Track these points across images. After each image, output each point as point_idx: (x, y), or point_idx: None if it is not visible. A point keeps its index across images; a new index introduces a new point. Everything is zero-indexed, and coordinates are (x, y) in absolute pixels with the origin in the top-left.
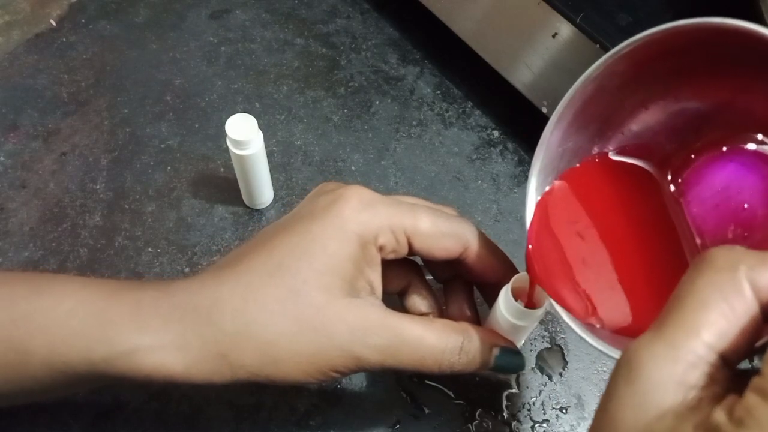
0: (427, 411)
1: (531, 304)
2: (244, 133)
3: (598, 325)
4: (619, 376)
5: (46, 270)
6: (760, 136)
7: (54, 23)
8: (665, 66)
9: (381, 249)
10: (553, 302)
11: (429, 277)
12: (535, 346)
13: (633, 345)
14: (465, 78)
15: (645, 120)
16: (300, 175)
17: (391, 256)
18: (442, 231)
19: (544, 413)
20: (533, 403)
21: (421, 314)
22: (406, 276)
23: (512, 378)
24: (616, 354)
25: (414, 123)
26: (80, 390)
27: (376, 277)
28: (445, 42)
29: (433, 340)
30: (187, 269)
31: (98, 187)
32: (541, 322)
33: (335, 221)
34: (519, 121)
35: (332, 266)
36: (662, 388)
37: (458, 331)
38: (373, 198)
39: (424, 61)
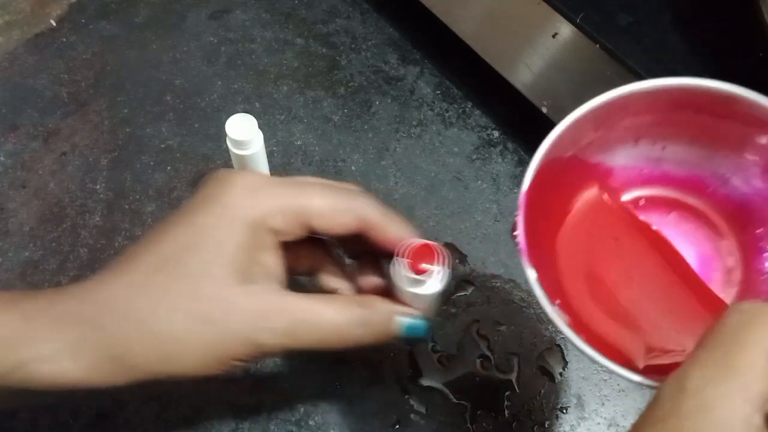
0: (427, 411)
1: (420, 270)
2: (244, 133)
3: (570, 319)
4: (692, 405)
5: (46, 270)
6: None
7: (54, 23)
8: (681, 118)
9: (276, 232)
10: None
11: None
12: (535, 346)
13: (698, 375)
14: (465, 78)
15: (631, 151)
16: (300, 175)
17: (289, 238)
18: (336, 208)
19: (544, 413)
20: (533, 404)
21: (332, 292)
22: (314, 255)
23: (512, 378)
24: (611, 365)
25: (414, 123)
26: None
27: (272, 260)
28: (445, 42)
29: (333, 316)
30: None
31: (98, 187)
32: (541, 322)
33: (220, 210)
34: (519, 121)
35: (221, 255)
36: (739, 426)
37: (359, 304)
38: (259, 182)
39: (424, 61)
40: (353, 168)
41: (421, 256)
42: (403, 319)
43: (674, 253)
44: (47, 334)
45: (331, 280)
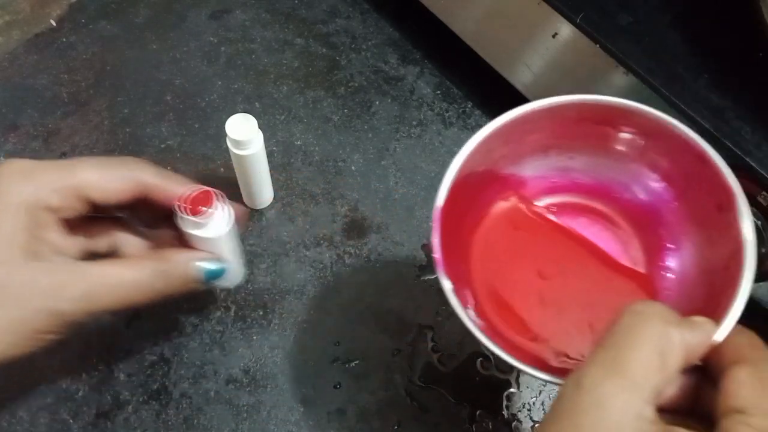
0: (427, 412)
1: (198, 211)
2: (244, 133)
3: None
4: (587, 401)
5: None
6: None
7: (54, 23)
8: (594, 131)
9: (55, 210)
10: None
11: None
12: None
13: (595, 373)
14: (465, 78)
15: (544, 162)
16: (300, 175)
17: (70, 214)
18: (109, 177)
19: (544, 412)
20: (533, 403)
21: None
22: (111, 233)
23: (512, 378)
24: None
25: (414, 123)
26: None
27: (57, 237)
28: (445, 42)
29: (131, 274)
30: None
31: None
32: None
33: None
34: None
35: (5, 240)
36: (630, 419)
37: (154, 258)
38: (30, 166)
39: (424, 61)
40: (353, 168)
41: (198, 201)
42: (199, 263)
43: (591, 244)
44: None
45: (131, 251)
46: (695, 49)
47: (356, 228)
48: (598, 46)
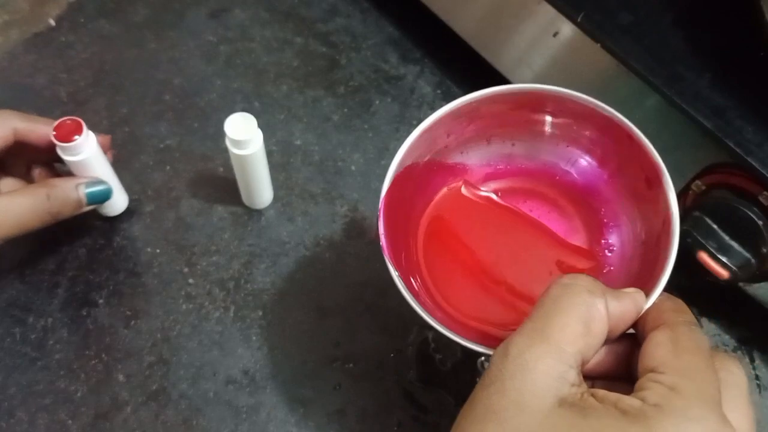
0: (427, 412)
1: (66, 138)
2: (243, 132)
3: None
4: (514, 366)
5: (45, 270)
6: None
7: (53, 22)
8: (530, 118)
9: None
10: (395, 275)
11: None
12: None
13: (520, 342)
14: (465, 77)
15: (487, 150)
16: (299, 175)
17: None
18: None
19: None
20: None
21: None
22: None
23: None
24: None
25: (414, 122)
26: None
27: None
28: (445, 41)
29: (21, 201)
30: (186, 269)
31: None
32: None
33: None
34: None
35: None
36: (554, 382)
37: (41, 185)
38: None
39: (425, 60)
40: (353, 167)
41: (71, 130)
42: (82, 185)
43: (538, 224)
44: None
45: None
46: (696, 49)
47: (356, 228)
48: (599, 45)
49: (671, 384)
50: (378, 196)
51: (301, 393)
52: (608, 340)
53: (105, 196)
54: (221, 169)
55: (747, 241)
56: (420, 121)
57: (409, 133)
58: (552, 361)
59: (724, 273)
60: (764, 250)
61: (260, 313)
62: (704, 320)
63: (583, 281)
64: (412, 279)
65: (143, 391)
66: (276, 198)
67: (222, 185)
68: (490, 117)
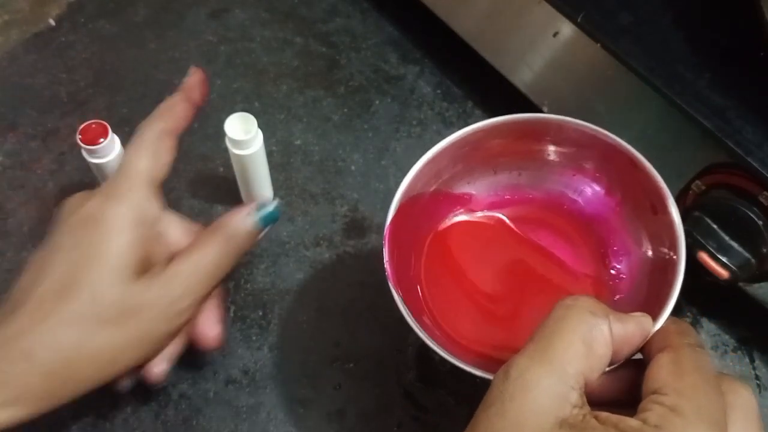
0: (427, 412)
1: (97, 141)
2: (243, 132)
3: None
4: (515, 386)
5: None
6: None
7: (53, 22)
8: (534, 147)
9: (154, 220)
10: (402, 309)
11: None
12: None
13: (522, 362)
14: (465, 77)
15: (494, 181)
16: (300, 175)
17: (162, 219)
18: (151, 151)
19: None
20: None
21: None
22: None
23: None
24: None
25: (414, 122)
26: None
27: (159, 248)
28: (445, 41)
29: (206, 258)
30: None
31: (97, 187)
32: None
33: (103, 225)
34: None
35: (117, 262)
36: (555, 402)
37: (215, 231)
38: (118, 187)
39: (425, 61)
40: (353, 168)
41: (92, 133)
42: (251, 213)
43: (546, 252)
44: None
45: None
46: (696, 49)
47: (356, 228)
48: (599, 45)
49: (672, 405)
50: (378, 196)
51: (301, 393)
52: (614, 364)
53: (276, 214)
54: (221, 169)
55: (747, 241)
56: (420, 121)
57: (409, 133)
58: (553, 381)
59: (724, 273)
60: (764, 250)
61: (260, 313)
62: (704, 320)
63: (586, 302)
64: (418, 304)
65: (143, 391)
66: (276, 198)
67: (222, 185)
68: (494, 147)
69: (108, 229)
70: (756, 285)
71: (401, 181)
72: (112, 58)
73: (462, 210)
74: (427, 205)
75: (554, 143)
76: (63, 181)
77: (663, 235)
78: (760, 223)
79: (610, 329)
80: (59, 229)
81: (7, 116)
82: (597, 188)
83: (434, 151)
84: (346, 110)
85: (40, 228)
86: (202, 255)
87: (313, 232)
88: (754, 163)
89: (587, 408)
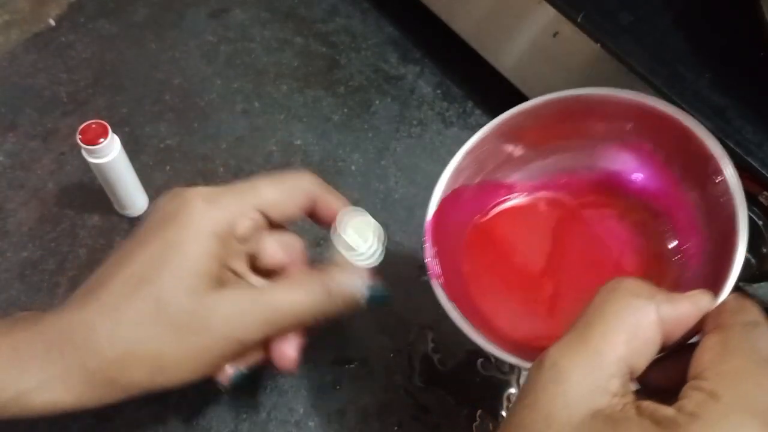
0: (427, 412)
1: (89, 140)
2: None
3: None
4: (548, 377)
5: (45, 270)
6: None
7: (53, 22)
8: (582, 125)
9: (243, 238)
10: (446, 304)
11: None
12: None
13: (557, 350)
14: (465, 77)
15: (544, 165)
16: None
17: (255, 236)
18: (286, 191)
19: None
20: None
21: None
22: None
23: (513, 378)
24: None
25: (414, 122)
26: None
27: (240, 265)
28: (445, 41)
29: (301, 297)
30: None
31: (97, 186)
32: None
33: (188, 224)
34: None
35: (193, 268)
36: (591, 392)
37: (320, 278)
38: (216, 192)
39: (425, 61)
40: (353, 168)
41: (92, 132)
42: (366, 287)
43: (598, 236)
44: (38, 366)
45: (275, 259)
46: (697, 49)
47: None
48: (599, 45)
49: (711, 390)
50: (378, 196)
51: (302, 393)
52: (668, 347)
53: (384, 302)
54: (221, 169)
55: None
56: (420, 121)
57: (409, 133)
58: (589, 370)
59: None
60: (764, 250)
61: None
62: None
63: (630, 284)
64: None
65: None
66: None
67: (222, 185)
68: (538, 130)
69: (194, 231)
70: (756, 285)
71: (401, 181)
72: (112, 58)
73: (510, 198)
74: (472, 196)
75: (599, 119)
76: (63, 181)
77: (721, 206)
78: (761, 223)
79: (658, 311)
80: (149, 219)
81: (7, 116)
82: (651, 162)
83: (472, 142)
84: (346, 110)
85: (40, 228)
86: (295, 294)
87: (313, 233)
88: (754, 163)
89: (630, 397)
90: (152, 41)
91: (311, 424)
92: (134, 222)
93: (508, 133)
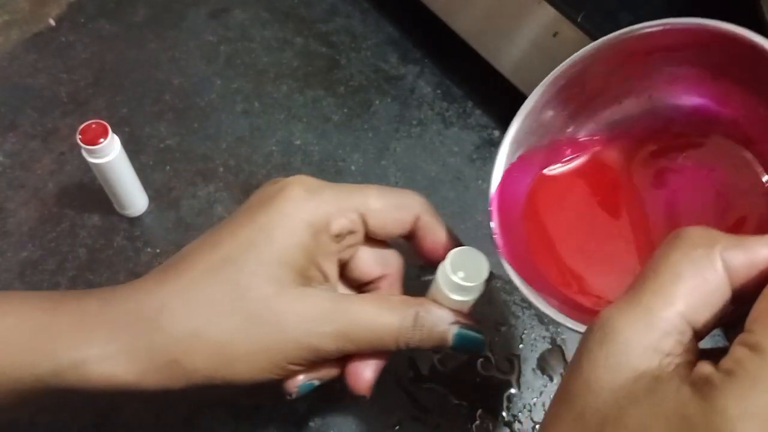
0: (427, 412)
1: (90, 140)
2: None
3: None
4: (593, 339)
5: (45, 270)
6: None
7: (53, 22)
8: (649, 62)
9: (337, 235)
10: (515, 278)
11: None
12: (536, 347)
13: (608, 311)
14: (465, 77)
15: (618, 112)
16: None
17: (351, 240)
18: (393, 204)
19: (545, 413)
20: (534, 404)
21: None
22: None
23: (513, 378)
24: (575, 326)
25: (414, 122)
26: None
27: (330, 267)
28: (445, 41)
29: (387, 318)
30: None
31: (97, 186)
32: (542, 322)
33: (282, 210)
34: None
35: (281, 256)
36: (639, 353)
37: (413, 305)
38: (319, 184)
39: (425, 61)
40: (353, 168)
41: (92, 132)
42: (456, 324)
43: (682, 183)
44: (103, 335)
45: (366, 269)
46: None
47: None
48: None
49: (754, 343)
50: None
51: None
52: (744, 298)
53: (474, 346)
54: (221, 169)
55: None
56: (420, 121)
57: (409, 133)
58: (638, 328)
59: None
60: None
61: None
62: None
63: (689, 233)
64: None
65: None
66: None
67: (222, 186)
68: (605, 75)
69: (287, 218)
70: None
71: (401, 181)
72: (112, 58)
73: (577, 156)
74: (545, 159)
75: (667, 51)
76: (63, 181)
77: None
78: None
79: (722, 258)
80: (245, 202)
81: (7, 116)
82: (726, 92)
83: (533, 98)
84: (346, 110)
85: (40, 228)
86: (383, 313)
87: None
88: None
89: (686, 356)
90: (152, 41)
91: (311, 425)
92: (134, 222)
93: (569, 86)
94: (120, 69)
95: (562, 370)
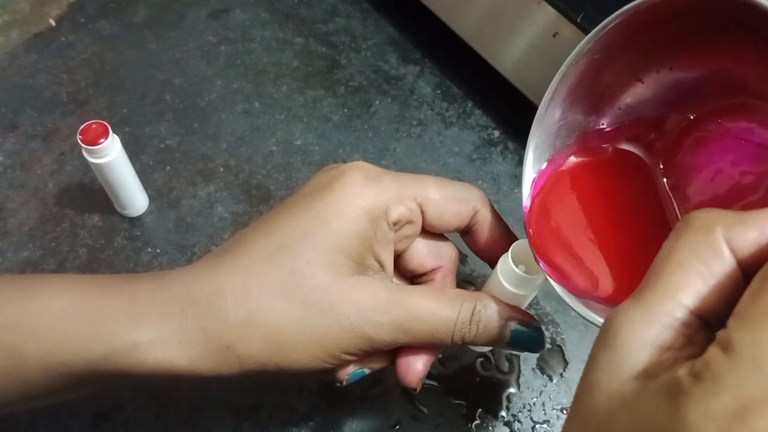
0: (427, 411)
1: (90, 141)
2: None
3: (592, 299)
4: (597, 342)
5: (45, 270)
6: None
7: (53, 23)
8: (659, 35)
9: (395, 224)
10: (550, 279)
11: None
12: None
13: (613, 312)
14: (465, 77)
15: (640, 93)
16: (300, 175)
17: (408, 231)
18: (451, 195)
19: (545, 413)
20: (534, 404)
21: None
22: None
23: (512, 378)
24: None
25: (414, 122)
26: (81, 393)
27: (387, 255)
28: (445, 41)
29: (444, 311)
30: None
31: (97, 186)
32: (542, 323)
33: (340, 197)
34: (519, 121)
35: (337, 244)
36: (636, 351)
37: (471, 299)
38: (378, 171)
39: (425, 61)
40: None
41: (92, 133)
42: (519, 323)
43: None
44: (156, 319)
45: (421, 261)
46: None
47: None
48: None
49: (726, 341)
50: None
51: (302, 393)
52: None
53: (531, 343)
54: (221, 169)
55: None
56: (420, 121)
57: (409, 133)
58: (635, 326)
59: None
60: None
61: None
62: None
63: (690, 218)
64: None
65: (144, 391)
66: (276, 198)
67: (222, 186)
68: (616, 60)
69: (345, 205)
70: None
71: None
72: (112, 58)
73: (612, 145)
74: (570, 158)
75: (669, 23)
76: (63, 181)
77: None
78: None
79: (726, 238)
80: (302, 188)
81: (7, 116)
82: (751, 51)
83: (544, 106)
84: (346, 110)
85: (41, 228)
86: (436, 311)
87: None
88: None
89: (692, 349)
90: (152, 41)
91: (311, 424)
92: (134, 222)
93: (577, 84)
94: (120, 69)
95: (561, 370)
